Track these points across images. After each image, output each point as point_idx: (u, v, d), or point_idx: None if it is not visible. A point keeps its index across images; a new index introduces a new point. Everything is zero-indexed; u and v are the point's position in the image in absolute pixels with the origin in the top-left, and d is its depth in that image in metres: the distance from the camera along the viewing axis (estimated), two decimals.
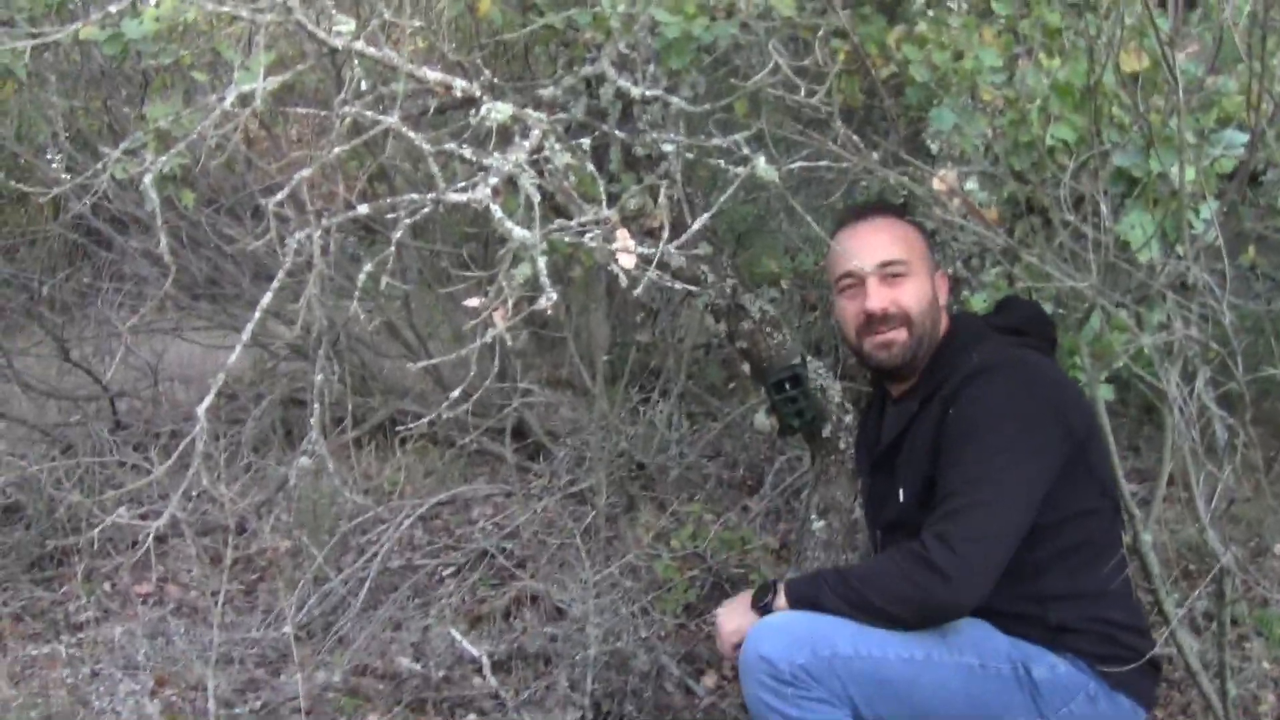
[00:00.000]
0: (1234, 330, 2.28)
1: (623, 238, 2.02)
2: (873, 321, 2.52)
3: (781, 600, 2.42)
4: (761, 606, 2.44)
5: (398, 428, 4.20)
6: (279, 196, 1.99)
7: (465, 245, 4.83)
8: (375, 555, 3.74)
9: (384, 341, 5.46)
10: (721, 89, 2.86)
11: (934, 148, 2.81)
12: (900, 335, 2.51)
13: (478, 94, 2.19)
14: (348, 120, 2.11)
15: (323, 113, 2.17)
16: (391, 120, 1.97)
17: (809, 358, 3.14)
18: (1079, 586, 2.43)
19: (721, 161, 2.25)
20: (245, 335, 2.14)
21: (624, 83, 2.36)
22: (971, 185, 2.77)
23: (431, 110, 2.87)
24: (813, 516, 3.18)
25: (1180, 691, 3.31)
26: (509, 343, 2.13)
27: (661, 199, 2.77)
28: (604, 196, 2.14)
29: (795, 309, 4.32)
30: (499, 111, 2.13)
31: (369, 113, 1.99)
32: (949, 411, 2.42)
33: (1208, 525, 2.40)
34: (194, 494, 3.59)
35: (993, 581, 2.30)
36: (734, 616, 2.50)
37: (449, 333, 5.15)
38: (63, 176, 2.47)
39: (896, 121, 2.73)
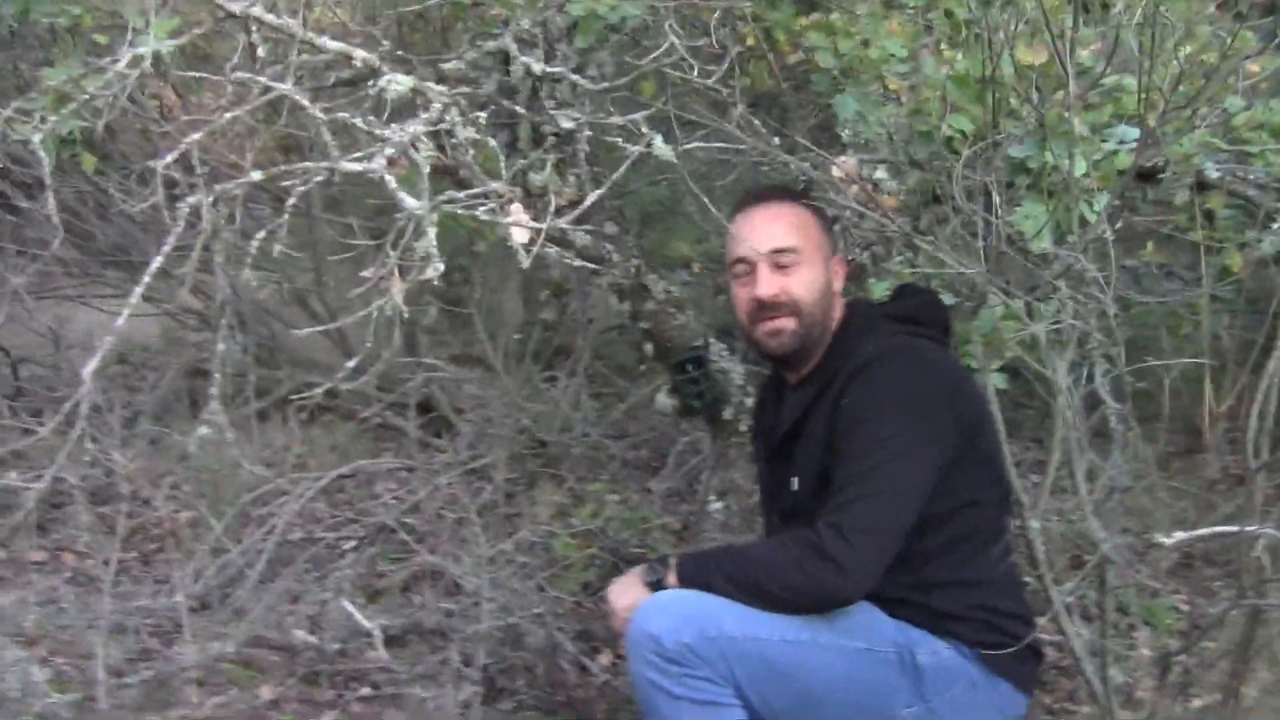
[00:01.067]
0: (1118, 324, 2.31)
1: (517, 211, 2.02)
2: (763, 308, 2.52)
3: (672, 578, 2.41)
4: (651, 583, 2.43)
5: (296, 397, 4.15)
6: (168, 159, 1.97)
7: (377, 219, 4.80)
8: (274, 527, 3.71)
9: (294, 314, 5.42)
10: (632, 71, 2.86)
11: (845, 136, 2.83)
12: (789, 323, 2.52)
13: (377, 65, 2.18)
14: (259, 90, 2.09)
15: (215, 77, 2.15)
16: (285, 87, 1.95)
17: (712, 340, 3.16)
18: (964, 575, 2.46)
19: (620, 140, 2.25)
20: (133, 298, 2.12)
21: (526, 58, 2.35)
22: (881, 174, 2.80)
23: (335, 81, 2.87)
24: (711, 498, 3.20)
25: (1069, 678, 3.37)
26: (405, 314, 2.13)
27: (564, 175, 2.80)
28: (505, 172, 2.14)
29: (707, 292, 4.34)
30: (399, 83, 2.13)
31: (262, 79, 1.97)
32: (841, 401, 2.43)
33: (1090, 513, 2.44)
34: (88, 460, 3.55)
35: (882, 572, 2.31)
36: (625, 593, 2.48)
37: (361, 305, 5.11)
38: None
39: (801, 108, 2.75)
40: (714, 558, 2.46)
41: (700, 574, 2.39)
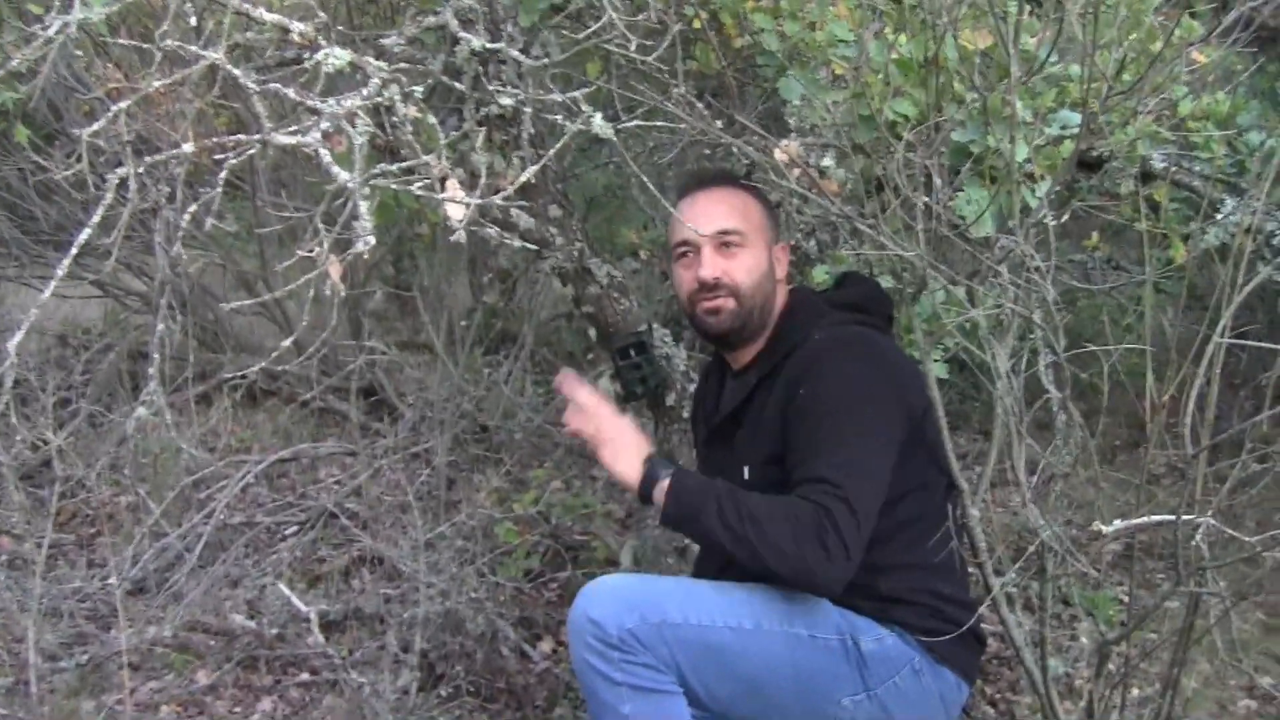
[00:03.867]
0: (1058, 310, 2.31)
1: (452, 187, 2.00)
2: (704, 289, 2.52)
3: (665, 485, 2.34)
4: (649, 468, 2.37)
5: (235, 379, 4.11)
6: (94, 126, 1.93)
7: (324, 202, 4.75)
8: (214, 511, 3.67)
9: (238, 298, 5.36)
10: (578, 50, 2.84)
11: (791, 121, 2.81)
12: (728, 303, 2.51)
13: (314, 37, 2.14)
14: (193, 60, 2.05)
15: (144, 45, 2.11)
16: (215, 56, 1.92)
17: (655, 325, 3.14)
18: (911, 559, 2.44)
19: (559, 117, 2.22)
20: (60, 270, 2.07)
21: (465, 35, 2.32)
22: (828, 161, 2.78)
23: (278, 61, 2.82)
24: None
25: (1010, 669, 3.38)
26: (341, 293, 2.09)
27: (508, 155, 2.77)
28: (441, 147, 2.11)
29: (654, 279, 4.32)
30: (336, 57, 2.10)
31: (193, 47, 1.93)
32: (799, 390, 2.41)
33: (1029, 501, 2.44)
34: (21, 440, 3.50)
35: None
36: (621, 441, 2.42)
37: (302, 288, 5.07)
38: None
39: (744, 91, 2.73)
40: (715, 488, 2.35)
41: (697, 494, 2.33)
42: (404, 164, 1.96)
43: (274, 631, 3.44)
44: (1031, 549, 2.46)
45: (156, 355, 2.41)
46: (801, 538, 2.23)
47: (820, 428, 2.34)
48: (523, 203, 2.81)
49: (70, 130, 4.62)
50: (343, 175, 1.90)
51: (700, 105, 2.52)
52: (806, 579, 2.27)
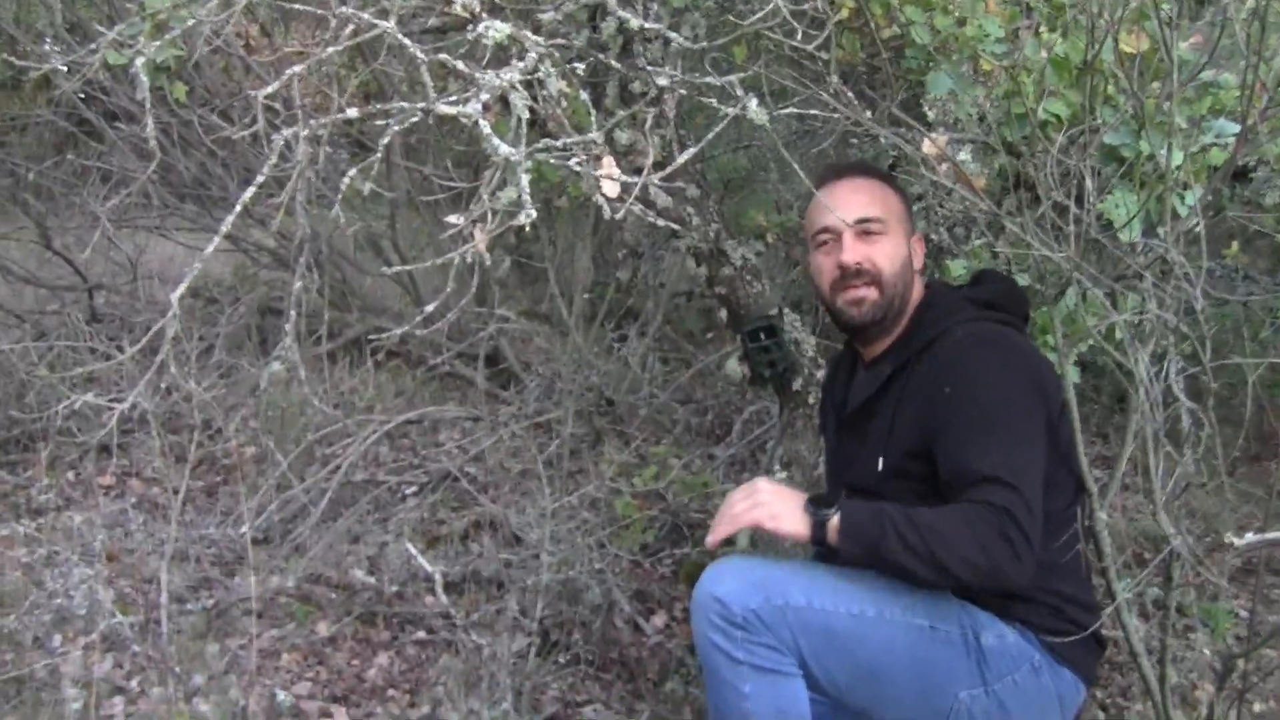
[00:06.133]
0: (1205, 319, 2.29)
1: (608, 165, 2.03)
2: (845, 276, 2.52)
3: (835, 524, 2.29)
4: (815, 515, 2.31)
5: (371, 342, 4.19)
6: (269, 89, 1.99)
7: (457, 169, 4.83)
8: (339, 467, 3.75)
9: (367, 259, 5.46)
10: (724, 34, 2.86)
11: (930, 114, 2.81)
12: (871, 293, 2.52)
13: (477, 9, 2.19)
14: (349, 27, 2.10)
15: (319, 11, 2.16)
16: (388, 25, 1.97)
17: (786, 310, 3.15)
18: (1039, 560, 2.44)
19: (714, 101, 2.24)
20: (224, 228, 2.14)
21: (623, 13, 2.35)
22: (964, 156, 2.78)
23: (428, 26, 2.87)
24: (776, 468, 3.20)
25: (1122, 674, 3.35)
26: (488, 262, 2.14)
27: (651, 134, 2.80)
28: (595, 127, 2.15)
29: (779, 264, 4.33)
30: (497, 30, 2.13)
31: (365, 15, 1.98)
32: (944, 389, 2.40)
33: (1160, 507, 2.42)
34: (163, 387, 3.60)
35: None
36: (777, 504, 2.34)
37: (433, 254, 5.15)
38: (55, 58, 2.45)
39: (895, 82, 2.73)
40: (886, 513, 2.31)
41: (869, 529, 2.29)
42: (567, 140, 1.98)
43: (394, 589, 3.51)
44: (1161, 556, 2.44)
45: (294, 312, 2.47)
46: (988, 542, 2.22)
47: (975, 426, 2.33)
48: (673, 184, 2.84)
49: (200, 82, 4.74)
50: (504, 148, 1.93)
51: (851, 95, 2.53)
52: (998, 581, 2.26)
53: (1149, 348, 2.38)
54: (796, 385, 3.11)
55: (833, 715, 2.44)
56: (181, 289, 2.12)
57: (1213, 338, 2.35)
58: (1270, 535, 2.38)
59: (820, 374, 3.09)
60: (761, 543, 3.21)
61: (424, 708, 3.17)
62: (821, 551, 2.68)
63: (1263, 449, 4.33)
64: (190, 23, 2.18)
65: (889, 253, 2.53)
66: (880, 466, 2.48)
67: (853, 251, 2.52)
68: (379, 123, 2.16)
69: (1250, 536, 2.35)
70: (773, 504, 2.34)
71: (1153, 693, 2.59)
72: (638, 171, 2.41)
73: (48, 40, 4.64)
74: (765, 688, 2.29)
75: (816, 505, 2.32)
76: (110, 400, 2.37)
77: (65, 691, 3.12)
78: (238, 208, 2.13)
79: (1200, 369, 2.34)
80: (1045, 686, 2.45)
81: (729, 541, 2.39)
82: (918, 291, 2.60)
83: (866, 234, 2.52)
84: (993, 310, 2.55)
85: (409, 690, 3.25)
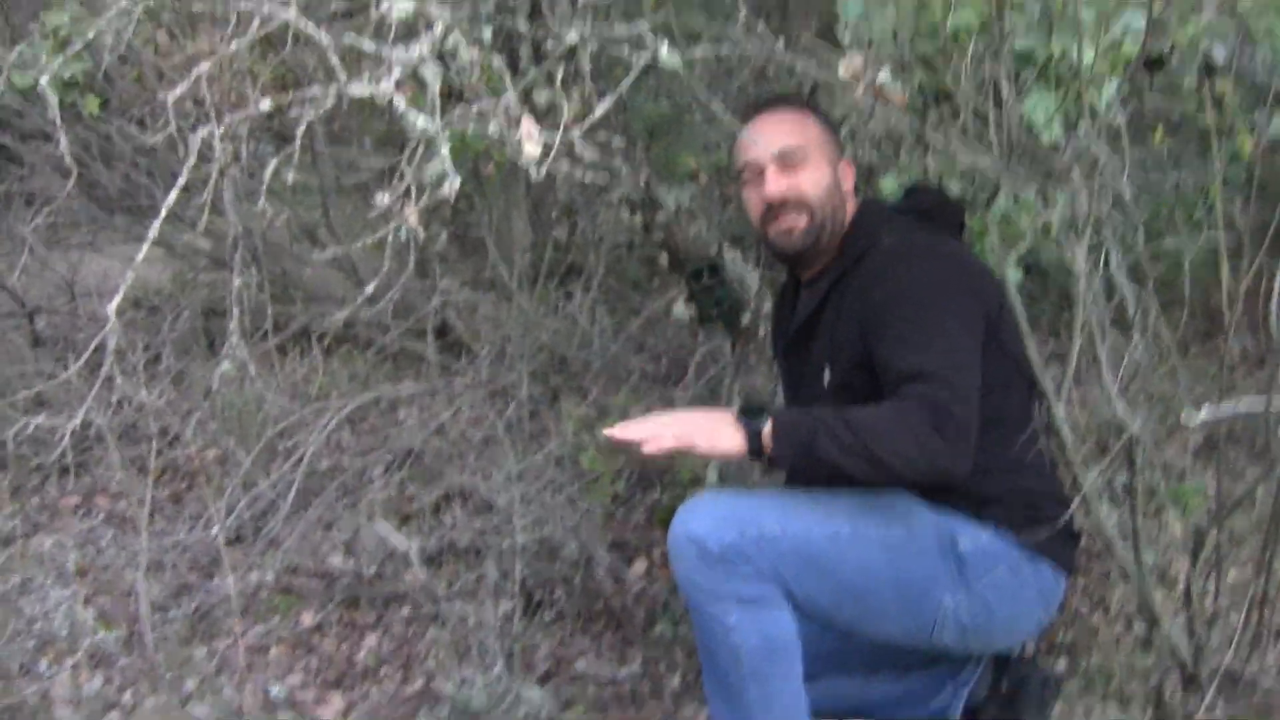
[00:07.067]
0: (1138, 206, 2.32)
1: (527, 126, 2.03)
2: (773, 208, 2.56)
3: (768, 431, 2.31)
4: (749, 426, 2.32)
5: (320, 331, 4.18)
6: (177, 91, 1.98)
7: (383, 149, 4.81)
8: (302, 458, 3.75)
9: (304, 249, 5.43)
10: None
11: (845, 38, 2.82)
12: (800, 221, 2.55)
13: None
14: (257, 22, 2.10)
15: (221, 7, 2.15)
16: (288, 14, 1.96)
17: (726, 247, 3.17)
18: (999, 459, 2.45)
19: (626, 48, 2.25)
20: (151, 235, 2.13)
21: None
22: (884, 76, 2.79)
23: (334, 10, 2.86)
24: (735, 403, 3.22)
25: (1101, 561, 3.41)
26: (420, 237, 2.14)
27: (568, 91, 2.79)
28: (510, 89, 2.15)
29: (715, 203, 4.33)
30: (400, 7, 2.13)
31: (267, 6, 1.97)
32: (875, 293, 2.44)
33: (1115, 395, 2.46)
34: (116, 401, 3.59)
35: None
36: (709, 424, 2.34)
37: (369, 236, 5.12)
38: None
39: (798, 14, 2.74)
40: (816, 415, 2.33)
41: (802, 434, 2.30)
42: (482, 105, 1.99)
43: (372, 570, 3.53)
44: (1121, 443, 2.48)
45: (236, 310, 2.46)
46: (920, 435, 2.24)
47: (904, 325, 2.36)
48: (593, 138, 2.84)
49: (113, 92, 4.68)
50: (422, 121, 1.94)
51: (761, 28, 2.55)
52: (936, 473, 2.27)
53: (1085, 240, 2.41)
54: (745, 320, 3.14)
55: (821, 638, 2.48)
56: (117, 300, 2.12)
57: (1148, 224, 2.39)
58: (1227, 409, 2.43)
59: (767, 306, 3.11)
60: (731, 479, 3.24)
61: (418, 683, 3.20)
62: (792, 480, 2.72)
63: (1211, 326, 4.38)
64: (91, 35, 2.16)
65: (813, 179, 2.56)
66: (826, 382, 2.51)
67: (776, 183, 2.54)
68: (294, 113, 2.16)
69: (1204, 414, 2.40)
70: (701, 425, 2.34)
71: (1131, 576, 2.64)
72: (563, 129, 2.42)
73: None
74: (750, 619, 2.32)
75: (749, 416, 2.34)
76: (62, 420, 2.36)
77: (58, 714, 3.13)
78: (162, 213, 2.13)
79: (1136, 255, 2.37)
80: (1025, 582, 2.50)
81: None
82: (850, 211, 2.63)
83: (789, 165, 2.55)
84: (924, 219, 2.58)
85: (401, 667, 3.28)
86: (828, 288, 2.56)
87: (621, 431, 2.33)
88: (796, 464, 2.34)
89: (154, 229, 2.22)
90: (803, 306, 2.63)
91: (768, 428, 2.32)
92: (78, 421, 2.15)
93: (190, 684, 3.22)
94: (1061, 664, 2.98)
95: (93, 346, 2.16)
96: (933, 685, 2.80)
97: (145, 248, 2.26)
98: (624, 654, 3.23)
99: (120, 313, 2.21)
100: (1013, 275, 2.54)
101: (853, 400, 2.41)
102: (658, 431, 2.31)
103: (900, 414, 2.27)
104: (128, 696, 3.20)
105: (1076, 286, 2.38)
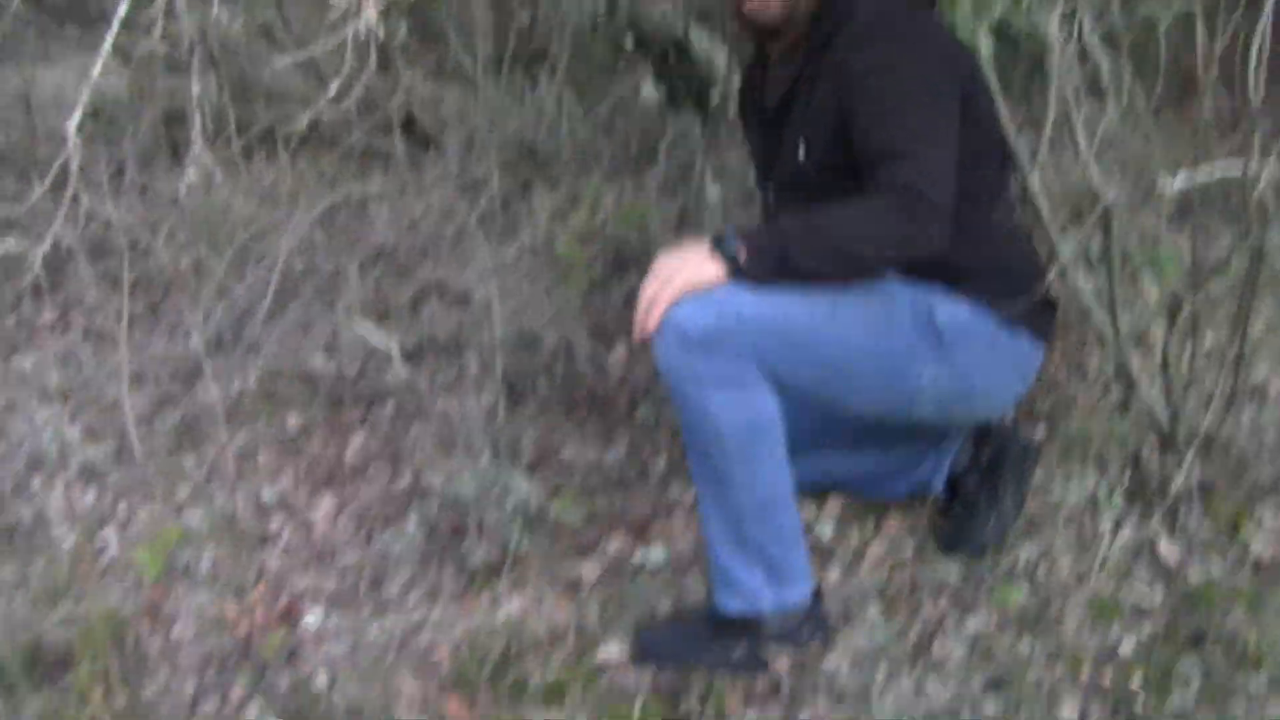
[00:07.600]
0: None
1: None
2: None
3: (744, 250, 2.30)
4: (725, 252, 2.31)
5: (284, 133, 4.11)
6: None
7: None
8: (275, 261, 3.72)
9: (261, 50, 5.30)
10: None
11: None
12: None
13: None
14: None
15: None
16: None
17: (693, 25, 3.11)
18: (975, 232, 2.44)
19: None
20: (106, 45, 2.07)
21: None
22: None
23: None
24: (707, 183, 3.20)
25: (1077, 328, 3.43)
26: (380, 33, 2.08)
27: None
28: None
29: None
30: None
31: None
32: (853, 69, 2.38)
33: (1091, 161, 2.44)
34: (82, 217, 3.54)
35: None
36: (688, 265, 2.31)
37: (327, 33, 5.00)
38: None
39: None
40: (782, 225, 2.34)
41: (772, 240, 2.31)
42: None
43: (354, 369, 3.53)
44: (1097, 211, 2.48)
45: (198, 115, 2.41)
46: (892, 223, 2.25)
47: (881, 103, 2.33)
48: None
49: None
50: None
51: None
52: (915, 253, 2.28)
53: (1058, 7, 2.36)
54: (714, 100, 3.09)
55: (802, 415, 2.50)
56: (76, 117, 2.06)
57: None
58: (1203, 172, 2.42)
59: (736, 85, 3.06)
60: None
61: (406, 478, 3.23)
62: None
63: (1185, 91, 4.33)
64: None
65: None
66: (802, 156, 2.48)
67: None
68: None
69: (1180, 181, 2.39)
70: (684, 267, 2.33)
71: (1107, 341, 2.66)
72: None
73: None
74: (731, 400, 2.34)
75: (719, 243, 2.33)
76: (30, 243, 2.33)
77: (55, 532, 3.17)
78: (114, 25, 2.05)
79: (1111, 24, 2.33)
80: (1003, 351, 2.52)
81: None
82: None
83: None
84: None
85: (389, 464, 3.31)
86: (803, 62, 2.51)
87: (639, 330, 2.35)
88: (778, 279, 2.32)
89: (107, 42, 2.15)
90: (777, 83, 2.59)
91: (743, 246, 2.31)
92: (48, 246, 2.11)
93: (182, 493, 3.25)
94: (1040, 431, 3.02)
95: (56, 167, 2.10)
96: (914, 458, 2.85)
97: (100, 61, 2.19)
98: (609, 440, 3.26)
99: (80, 128, 2.16)
100: (985, 44, 2.50)
101: (829, 179, 2.39)
102: (652, 300, 2.32)
103: (869, 206, 2.27)
104: (121, 509, 3.24)
105: (1050, 54, 2.34)
